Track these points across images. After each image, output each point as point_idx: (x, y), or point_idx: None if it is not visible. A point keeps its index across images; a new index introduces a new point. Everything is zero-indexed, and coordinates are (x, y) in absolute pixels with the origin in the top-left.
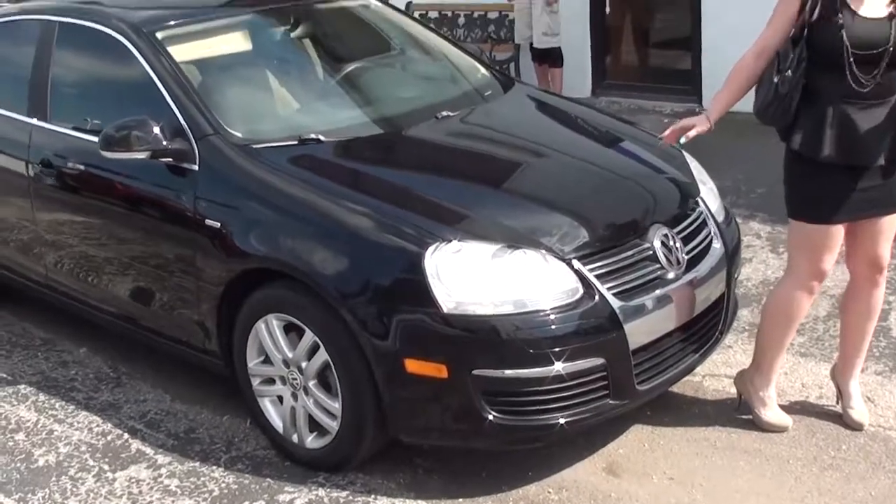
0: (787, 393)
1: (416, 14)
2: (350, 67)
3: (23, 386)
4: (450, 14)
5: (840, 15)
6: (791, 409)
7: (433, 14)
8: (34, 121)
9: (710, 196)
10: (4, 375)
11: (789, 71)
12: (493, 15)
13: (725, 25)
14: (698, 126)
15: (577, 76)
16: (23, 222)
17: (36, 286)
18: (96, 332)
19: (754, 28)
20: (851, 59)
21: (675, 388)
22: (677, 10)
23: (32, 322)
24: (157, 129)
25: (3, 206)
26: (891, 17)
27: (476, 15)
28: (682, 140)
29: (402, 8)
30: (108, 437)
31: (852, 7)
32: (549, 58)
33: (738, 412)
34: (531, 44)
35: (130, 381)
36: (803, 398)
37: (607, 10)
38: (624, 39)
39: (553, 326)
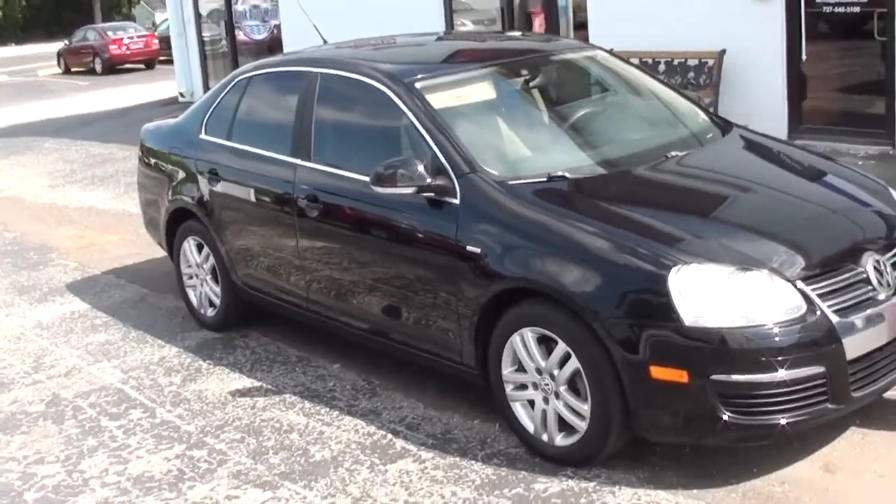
0: None
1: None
2: (582, 112)
3: (288, 395)
4: (650, 61)
5: None
6: None
7: (634, 61)
8: (298, 161)
9: None
10: (269, 386)
11: None
12: (692, 62)
13: None
14: None
15: (773, 120)
16: (285, 251)
17: (294, 307)
18: (347, 350)
19: None
20: None
21: (883, 400)
22: (870, 55)
23: (284, 342)
24: (421, 168)
25: (265, 237)
26: None
27: (676, 62)
28: None
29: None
30: (374, 437)
31: None
32: None
33: None
34: None
35: (385, 392)
36: None
37: (803, 56)
38: (819, 85)
39: (779, 338)
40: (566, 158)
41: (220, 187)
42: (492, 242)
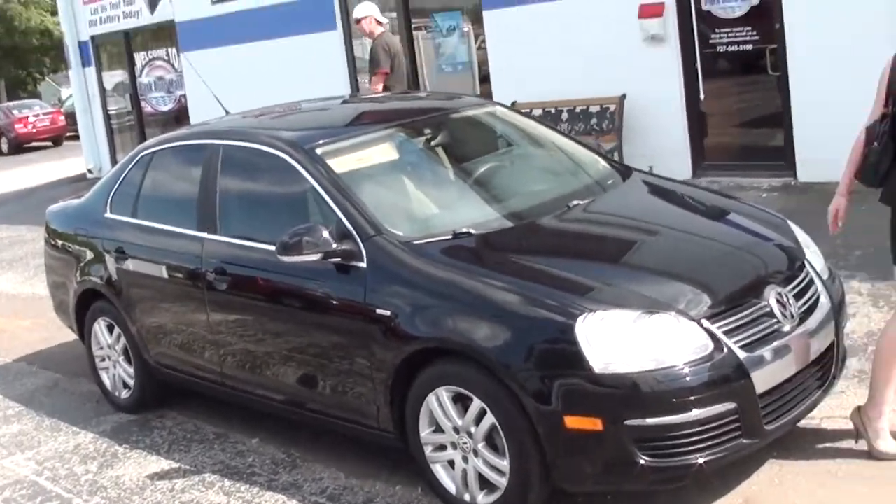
0: None
1: (522, 112)
2: (485, 167)
3: (207, 474)
4: (553, 110)
5: None
6: None
7: (537, 111)
8: (205, 234)
9: (814, 257)
10: (188, 467)
11: (876, 143)
12: (594, 108)
13: (813, 101)
14: (839, 206)
15: (676, 160)
16: (193, 326)
17: (209, 383)
18: (266, 423)
19: (839, 102)
20: None
21: (797, 430)
22: (766, 90)
23: (201, 419)
24: (326, 234)
25: (175, 313)
26: None
27: (578, 109)
28: (840, 223)
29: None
30: None
31: None
32: None
33: (856, 445)
34: None
35: (305, 463)
36: None
37: (701, 95)
38: (719, 122)
39: (688, 378)
40: (471, 214)
41: (127, 266)
42: (401, 304)
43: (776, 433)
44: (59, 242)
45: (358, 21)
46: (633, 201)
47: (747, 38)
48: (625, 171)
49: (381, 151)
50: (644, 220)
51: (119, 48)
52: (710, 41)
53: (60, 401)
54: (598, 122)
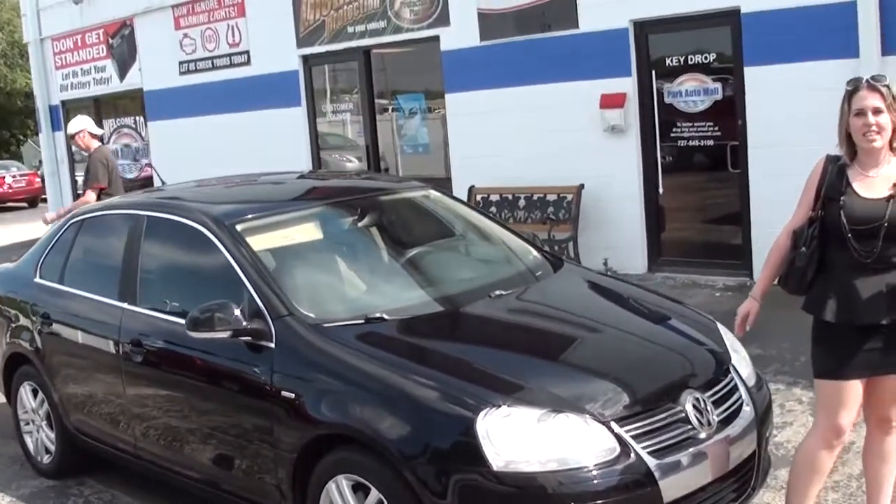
0: None
1: (479, 197)
2: (411, 252)
3: None
4: (510, 197)
5: (843, 197)
6: None
7: (495, 197)
8: (124, 304)
9: (741, 363)
10: None
11: (804, 247)
12: (551, 197)
13: (772, 202)
14: (751, 310)
15: (632, 253)
16: (112, 396)
17: (124, 454)
18: (181, 499)
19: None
20: (849, 234)
21: None
22: (727, 188)
23: (120, 489)
24: (237, 311)
25: (94, 382)
26: (889, 198)
27: (535, 197)
28: (748, 327)
29: (467, 190)
30: None
31: (856, 190)
32: None
33: None
34: None
35: None
36: None
37: (660, 190)
38: (677, 216)
39: (594, 481)
40: (389, 299)
41: (51, 332)
42: (305, 387)
43: None
44: None
45: (72, 136)
46: (559, 294)
47: (709, 134)
48: (556, 263)
49: (306, 230)
50: (567, 314)
51: (88, 113)
52: (672, 134)
53: None
54: (555, 210)
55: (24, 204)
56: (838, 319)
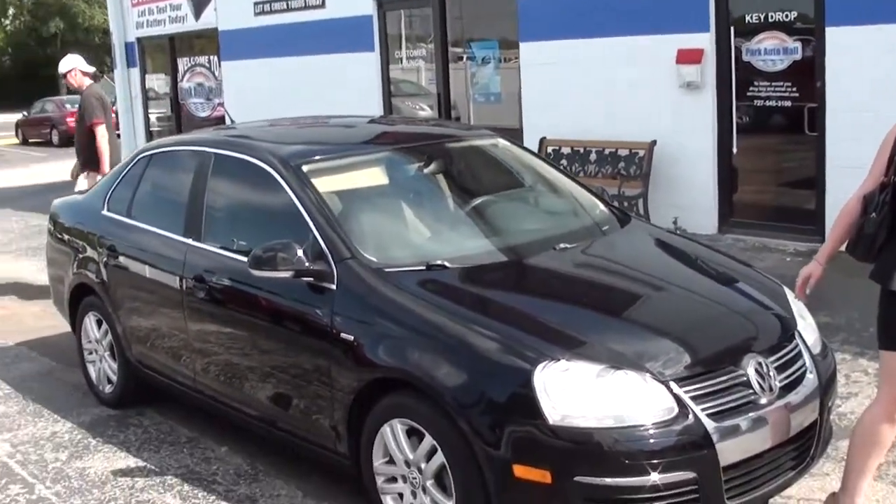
0: None
1: (550, 149)
2: (476, 201)
3: (169, 477)
4: (582, 150)
5: None
6: None
7: (566, 150)
8: (189, 240)
9: (807, 330)
10: (153, 467)
11: (874, 213)
12: (623, 152)
13: (848, 167)
14: (813, 273)
15: (702, 213)
16: (174, 331)
17: (183, 388)
18: (238, 433)
19: None
20: None
21: None
22: (803, 151)
23: (178, 421)
24: (300, 252)
25: (158, 316)
26: None
27: (607, 152)
28: (808, 291)
29: (538, 141)
30: None
31: None
32: None
33: None
34: None
35: (267, 478)
36: None
37: (734, 150)
38: (750, 178)
39: (650, 441)
40: (450, 248)
41: (116, 264)
42: (364, 330)
43: None
44: (61, 235)
45: (64, 75)
46: (625, 249)
47: (786, 94)
48: (623, 218)
49: (372, 174)
50: (632, 270)
51: (163, 52)
52: (748, 94)
53: (49, 388)
54: (626, 166)
55: None
56: None
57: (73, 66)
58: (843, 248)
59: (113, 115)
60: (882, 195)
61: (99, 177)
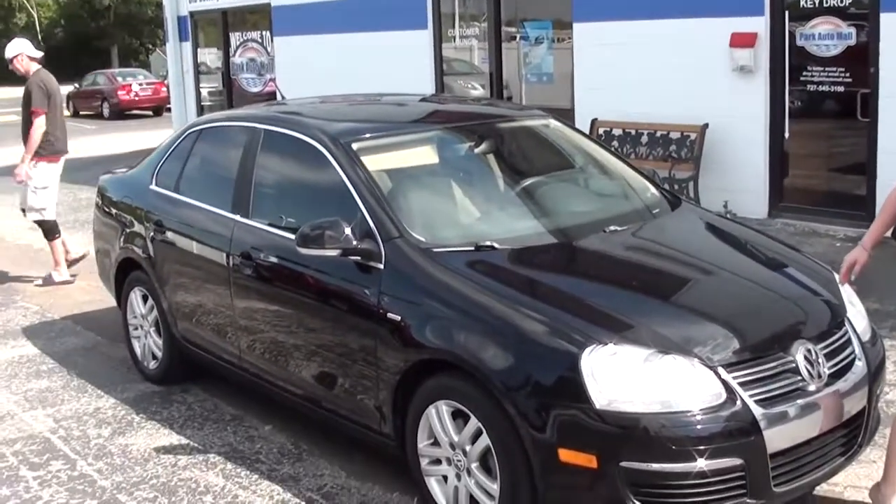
0: None
1: (601, 130)
2: (527, 182)
3: (212, 455)
4: (633, 132)
5: None
6: None
7: (617, 131)
8: (237, 217)
9: (857, 317)
10: (196, 445)
11: None
12: (675, 135)
13: None
14: (859, 258)
15: (753, 197)
16: (220, 308)
17: (228, 366)
18: (282, 412)
19: None
20: None
21: (817, 495)
22: (854, 136)
23: (223, 399)
24: (348, 230)
25: (203, 292)
26: None
27: (658, 134)
28: (853, 277)
29: (589, 123)
30: None
31: None
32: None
33: None
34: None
35: (311, 458)
36: None
37: (786, 134)
38: (801, 163)
39: (697, 427)
40: (499, 228)
41: (164, 239)
42: (411, 310)
43: (786, 496)
44: (108, 210)
45: (10, 60)
46: (675, 233)
47: (839, 80)
48: (673, 201)
49: (422, 153)
50: (681, 254)
51: (216, 26)
52: (801, 78)
53: (94, 363)
54: (678, 149)
55: (150, 112)
56: None
57: (19, 51)
58: (889, 234)
59: (63, 101)
60: None
61: (33, 163)
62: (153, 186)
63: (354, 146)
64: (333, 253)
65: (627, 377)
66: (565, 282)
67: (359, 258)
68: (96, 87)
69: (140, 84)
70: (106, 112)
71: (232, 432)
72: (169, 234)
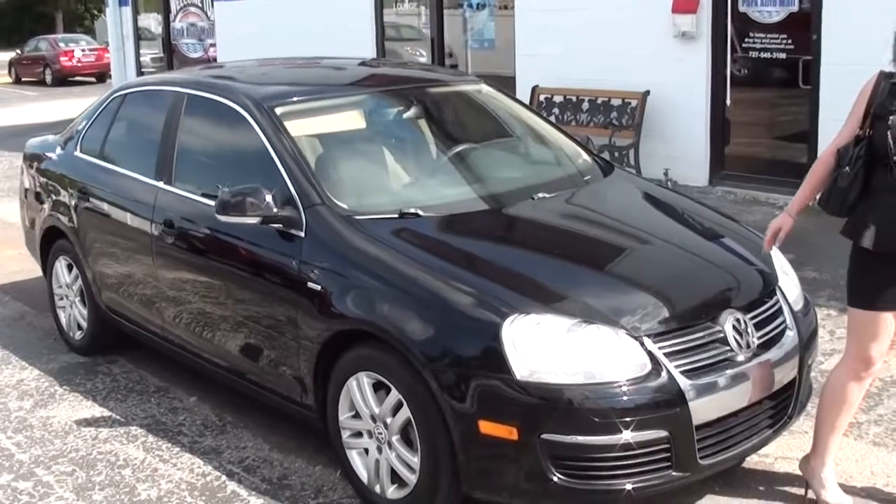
0: (855, 479)
1: (542, 97)
2: (456, 148)
3: (134, 427)
4: (574, 99)
5: (892, 116)
6: (857, 494)
7: (558, 98)
8: (160, 184)
9: (789, 286)
10: (118, 417)
11: (847, 167)
12: (616, 102)
13: (841, 121)
14: (784, 225)
15: (694, 165)
16: (143, 277)
17: (152, 336)
18: (209, 383)
19: None
20: (895, 156)
21: (747, 467)
22: (796, 104)
23: (149, 370)
24: (269, 197)
25: (127, 262)
26: None
27: (599, 101)
28: (777, 244)
29: (529, 90)
30: (207, 478)
31: None
32: None
33: (807, 495)
34: None
35: (234, 430)
36: (870, 485)
37: (728, 102)
38: (743, 131)
39: (622, 398)
40: (426, 195)
41: (87, 207)
42: (332, 279)
43: (713, 468)
44: (33, 176)
45: None
46: (607, 200)
47: (781, 47)
48: (606, 168)
49: (349, 118)
50: (612, 221)
51: None
52: (743, 45)
53: (20, 334)
54: (619, 116)
55: (93, 79)
56: (877, 247)
57: None
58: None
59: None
60: (857, 149)
61: None
62: (77, 153)
63: (278, 111)
64: (254, 220)
65: (550, 347)
66: (491, 249)
67: (280, 226)
68: (38, 53)
69: (83, 50)
70: (48, 78)
71: (156, 404)
72: (93, 202)
